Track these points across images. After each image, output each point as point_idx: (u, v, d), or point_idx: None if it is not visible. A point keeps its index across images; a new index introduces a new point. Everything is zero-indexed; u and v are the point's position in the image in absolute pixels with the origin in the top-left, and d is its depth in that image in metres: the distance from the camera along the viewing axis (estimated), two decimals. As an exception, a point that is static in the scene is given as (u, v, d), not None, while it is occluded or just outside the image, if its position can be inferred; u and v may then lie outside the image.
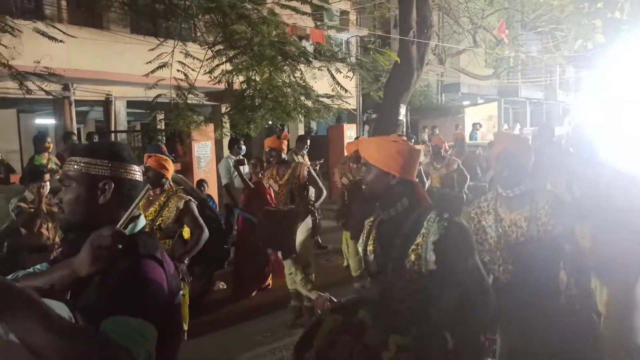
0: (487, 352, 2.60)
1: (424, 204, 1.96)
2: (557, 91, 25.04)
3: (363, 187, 2.03)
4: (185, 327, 3.72)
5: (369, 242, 2.06)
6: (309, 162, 7.77)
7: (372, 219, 2.12)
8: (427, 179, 6.17)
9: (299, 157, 7.78)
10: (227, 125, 8.50)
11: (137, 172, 1.54)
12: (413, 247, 1.85)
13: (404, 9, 10.09)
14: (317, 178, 4.92)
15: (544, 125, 7.37)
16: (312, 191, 4.95)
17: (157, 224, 3.47)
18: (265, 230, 4.59)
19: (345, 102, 7.99)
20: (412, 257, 1.85)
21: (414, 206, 1.94)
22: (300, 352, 1.80)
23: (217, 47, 6.45)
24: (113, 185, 1.44)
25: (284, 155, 4.96)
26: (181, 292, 1.57)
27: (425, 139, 15.01)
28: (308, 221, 4.75)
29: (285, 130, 16.89)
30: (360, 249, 2.10)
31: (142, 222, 1.52)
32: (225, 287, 6.06)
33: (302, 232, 4.66)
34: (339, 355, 1.70)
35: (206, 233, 3.53)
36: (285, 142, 5.01)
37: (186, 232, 3.74)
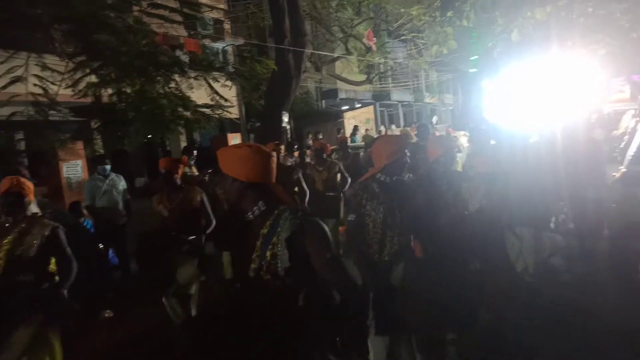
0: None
1: (284, 205, 2.00)
2: (424, 93, 27.37)
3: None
4: None
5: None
6: (197, 173, 7.54)
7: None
8: (312, 182, 6.36)
9: (186, 168, 7.52)
10: (99, 141, 7.93)
11: None
12: (270, 246, 1.89)
13: (277, 18, 10.30)
14: (207, 207, 4.59)
15: (421, 125, 8.12)
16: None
17: (16, 254, 3.05)
18: (145, 256, 4.28)
19: (227, 111, 7.90)
20: (268, 256, 1.88)
21: (272, 208, 1.98)
22: None
23: (78, 58, 5.98)
24: None
25: (178, 180, 4.54)
26: None
27: (310, 145, 15.41)
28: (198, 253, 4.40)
29: (167, 143, 16.22)
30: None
31: None
32: (111, 314, 5.59)
33: (189, 264, 4.30)
34: None
35: (75, 264, 3.23)
36: (182, 166, 4.71)
37: (52, 264, 3.39)
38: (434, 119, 23.01)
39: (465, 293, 2.79)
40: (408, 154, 3.15)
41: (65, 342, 3.30)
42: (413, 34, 12.71)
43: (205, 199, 4.58)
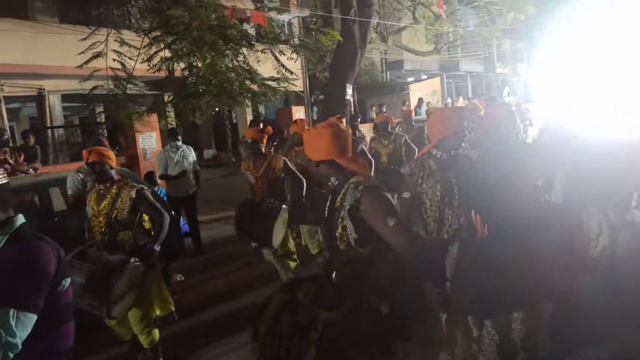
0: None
1: (356, 176, 2.04)
2: (495, 63, 25.95)
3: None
4: (172, 308, 3.73)
5: None
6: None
7: None
8: (377, 156, 6.27)
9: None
10: (172, 114, 8.28)
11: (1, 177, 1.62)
12: (339, 219, 1.98)
13: (344, -13, 10.10)
14: (293, 169, 4.87)
15: (490, 98, 7.88)
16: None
17: (113, 216, 3.39)
18: (243, 221, 4.61)
19: (292, 84, 7.94)
20: (340, 228, 1.98)
21: (343, 182, 2.05)
22: (255, 326, 1.96)
23: (153, 34, 6.22)
24: None
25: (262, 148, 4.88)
26: (68, 279, 1.62)
27: (373, 117, 15.21)
28: (284, 214, 4.67)
29: (233, 116, 16.65)
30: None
31: (20, 219, 1.59)
32: (182, 278, 5.96)
33: (279, 227, 4.59)
34: (281, 331, 1.84)
35: (167, 216, 3.46)
36: (266, 136, 4.98)
37: (145, 222, 3.64)
38: (505, 91, 21.87)
39: (521, 278, 2.64)
40: (467, 126, 2.97)
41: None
42: (486, 0, 12.03)
43: (287, 161, 4.86)
